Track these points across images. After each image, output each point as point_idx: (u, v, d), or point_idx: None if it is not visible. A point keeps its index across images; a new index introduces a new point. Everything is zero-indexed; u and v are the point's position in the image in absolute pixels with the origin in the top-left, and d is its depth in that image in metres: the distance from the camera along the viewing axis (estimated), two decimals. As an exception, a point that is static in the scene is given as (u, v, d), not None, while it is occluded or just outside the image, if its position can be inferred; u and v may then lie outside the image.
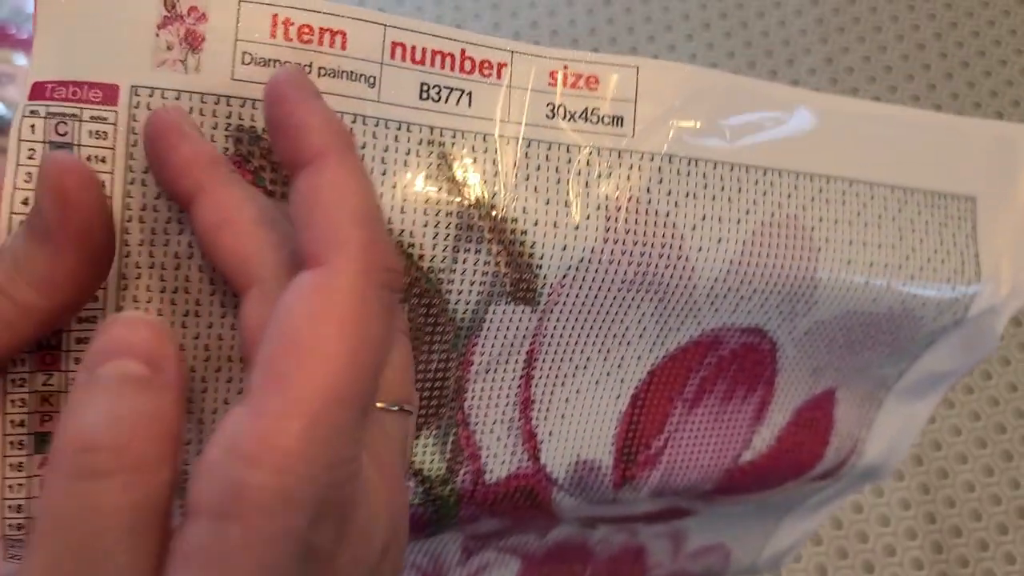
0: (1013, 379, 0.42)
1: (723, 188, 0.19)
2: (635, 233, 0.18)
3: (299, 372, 0.12)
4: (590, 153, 0.18)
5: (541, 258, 0.17)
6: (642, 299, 0.19)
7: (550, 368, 0.19)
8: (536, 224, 0.17)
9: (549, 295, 0.18)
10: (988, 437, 0.41)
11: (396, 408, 0.15)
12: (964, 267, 0.21)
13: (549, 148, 0.17)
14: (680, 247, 0.18)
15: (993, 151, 0.22)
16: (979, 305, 0.22)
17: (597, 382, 0.20)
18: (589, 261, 0.18)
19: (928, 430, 0.41)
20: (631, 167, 0.18)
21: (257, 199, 0.14)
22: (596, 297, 0.19)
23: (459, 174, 0.17)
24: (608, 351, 0.20)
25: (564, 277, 0.18)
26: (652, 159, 0.18)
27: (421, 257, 0.17)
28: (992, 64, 0.48)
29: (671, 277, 0.19)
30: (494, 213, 0.17)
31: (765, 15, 0.49)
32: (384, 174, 0.16)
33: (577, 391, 0.20)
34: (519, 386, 0.19)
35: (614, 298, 0.19)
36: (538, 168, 0.17)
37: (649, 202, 0.18)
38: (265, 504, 0.11)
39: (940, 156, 0.21)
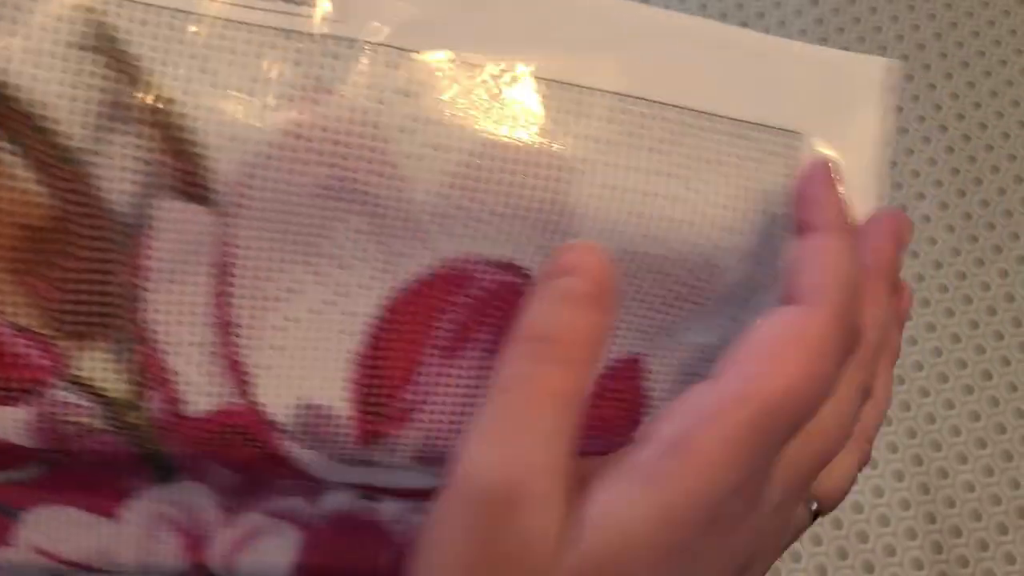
0: (1013, 379, 0.42)
1: (445, 88, 0.16)
2: (328, 130, 0.16)
3: (759, 372, 0.15)
4: (276, 35, 0.16)
5: (207, 148, 0.15)
6: (350, 211, 0.17)
7: (251, 287, 0.17)
8: (201, 109, 0.15)
9: (228, 195, 0.16)
10: (988, 437, 0.41)
11: (813, 505, 0.18)
12: (773, 211, 0.18)
13: (226, 26, 0.15)
14: (385, 151, 0.16)
15: (828, 83, 0.19)
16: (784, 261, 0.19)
17: (317, 312, 0.18)
18: (270, 158, 0.16)
19: (928, 430, 0.41)
20: (328, 55, 0.16)
21: None
22: (288, 203, 0.16)
23: (113, 45, 0.15)
24: (323, 274, 0.17)
25: (245, 175, 0.16)
26: (353, 47, 0.16)
27: (57, 133, 0.15)
28: (992, 64, 0.48)
29: (379, 186, 0.16)
30: (150, 92, 0.15)
31: (765, 15, 0.49)
32: (15, 22, 0.15)
33: (294, 320, 0.18)
34: (213, 304, 0.17)
35: (312, 206, 0.16)
36: (210, 46, 0.15)
37: (345, 96, 0.16)
38: (704, 452, 0.15)
39: (759, 83, 0.19)
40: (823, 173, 0.18)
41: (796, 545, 0.39)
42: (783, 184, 0.19)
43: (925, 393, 0.42)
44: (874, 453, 0.40)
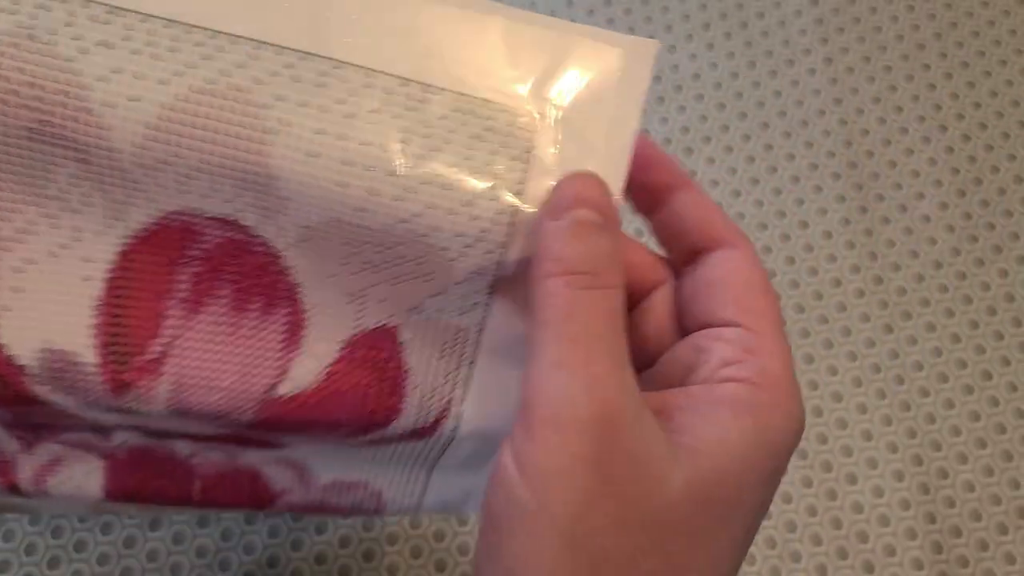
0: (1013, 379, 0.42)
1: (150, 44, 0.17)
2: (26, 73, 0.16)
3: (771, 305, 0.19)
4: None
5: None
6: (64, 156, 0.17)
7: None
8: None
9: None
10: (988, 437, 0.41)
11: None
12: (498, 193, 0.18)
13: None
14: (85, 98, 0.16)
15: (568, 63, 0.19)
16: (525, 247, 0.18)
17: (55, 255, 0.18)
18: None
19: (928, 430, 0.41)
20: (39, 7, 0.16)
21: None
22: (6, 144, 0.17)
23: None
24: (54, 216, 0.18)
25: None
26: (66, 1, 0.16)
27: None
28: (992, 64, 0.48)
29: (78, 132, 0.17)
30: None
31: (765, 15, 0.49)
32: None
33: (32, 262, 0.18)
34: None
35: (28, 148, 0.17)
36: None
37: (47, 43, 0.16)
38: (789, 383, 0.18)
39: (488, 56, 0.18)
40: (644, 139, 0.20)
41: (797, 545, 0.39)
42: (508, 164, 0.18)
43: (925, 393, 0.42)
44: (874, 453, 0.40)
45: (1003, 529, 0.39)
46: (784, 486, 0.40)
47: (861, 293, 0.43)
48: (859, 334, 0.42)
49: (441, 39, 0.18)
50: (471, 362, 0.21)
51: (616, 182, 0.19)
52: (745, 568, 0.38)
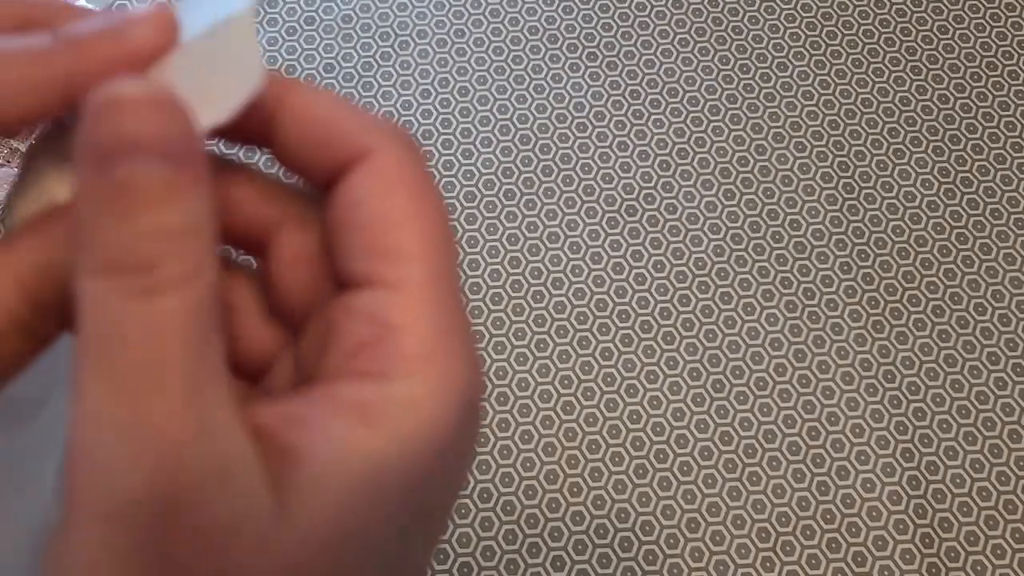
0: (1002, 375, 0.43)
1: None
2: None
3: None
4: None
5: None
6: None
7: None
8: None
9: None
10: (977, 433, 0.42)
11: None
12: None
13: None
14: None
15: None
16: None
17: None
18: None
19: (918, 426, 0.42)
20: None
21: None
22: None
23: None
24: None
25: None
26: None
27: None
28: (981, 68, 0.49)
29: None
30: None
31: (759, 20, 0.50)
32: None
33: None
34: None
35: None
36: None
37: None
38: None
39: None
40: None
41: (789, 537, 0.40)
42: None
43: (914, 389, 0.42)
44: (865, 448, 0.41)
45: (993, 523, 0.40)
46: (776, 479, 0.41)
47: (851, 291, 0.44)
48: (849, 331, 0.43)
49: None
50: None
51: (216, 102, 0.13)
52: (739, 559, 0.39)
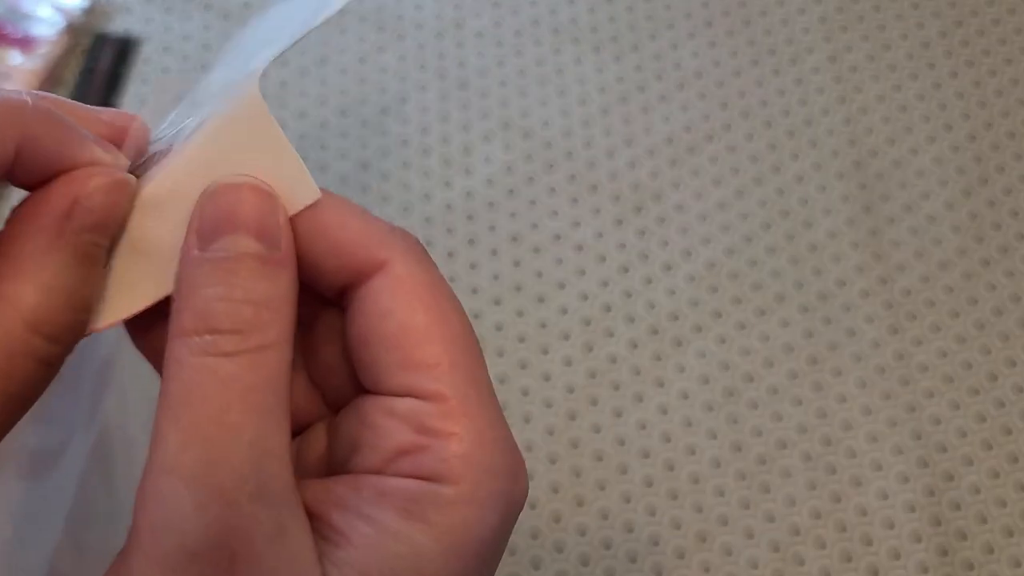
0: (1019, 380, 0.41)
1: None
2: None
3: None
4: None
5: None
6: None
7: None
8: None
9: None
10: (994, 440, 0.40)
11: None
12: None
13: None
14: None
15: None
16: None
17: None
18: None
19: (933, 432, 0.40)
20: None
21: None
22: None
23: None
24: None
25: None
26: None
27: None
28: (997, 63, 0.48)
29: None
30: None
31: (768, 13, 0.48)
32: None
33: None
34: None
35: None
36: None
37: None
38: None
39: None
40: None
41: (801, 548, 0.38)
42: None
43: (930, 395, 0.41)
44: (879, 456, 0.40)
45: (1009, 532, 0.39)
46: (788, 489, 0.39)
47: (866, 294, 0.43)
48: (864, 335, 0.42)
49: None
50: None
51: (297, 194, 0.14)
52: (749, 571, 0.38)
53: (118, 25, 0.46)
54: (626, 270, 0.43)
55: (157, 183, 0.14)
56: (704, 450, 0.40)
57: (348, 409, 0.15)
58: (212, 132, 0.14)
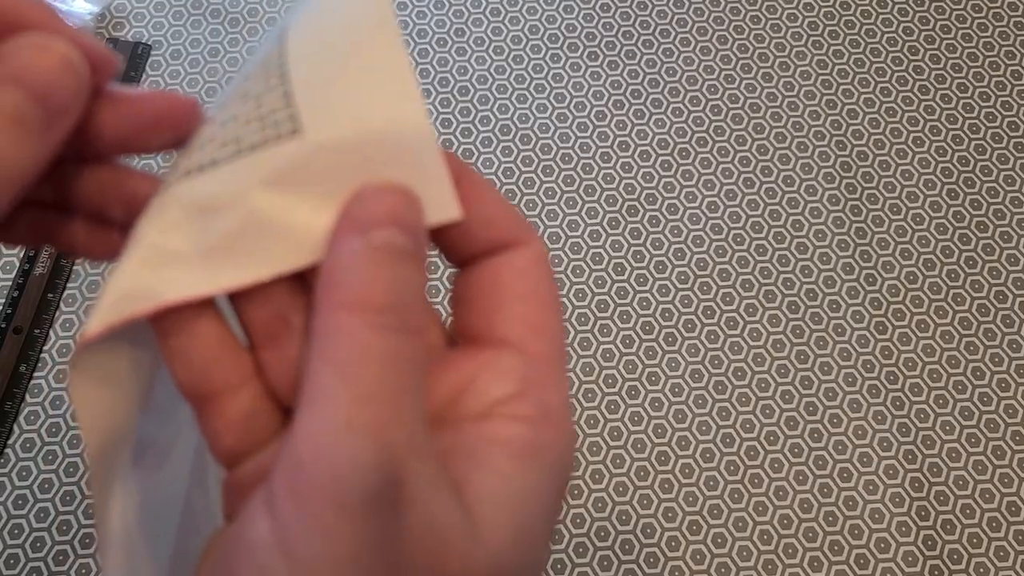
0: (1005, 376, 0.42)
1: None
2: None
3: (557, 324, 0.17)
4: None
5: None
6: None
7: None
8: None
9: None
10: (981, 435, 0.41)
11: None
12: None
13: None
14: None
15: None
16: None
17: None
18: None
19: (921, 428, 0.41)
20: None
21: None
22: None
23: None
24: None
25: None
26: None
27: None
28: (984, 68, 0.49)
29: None
30: None
31: (760, 20, 0.49)
32: None
33: None
34: None
35: None
36: None
37: None
38: (564, 414, 0.16)
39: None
40: None
41: (792, 540, 0.39)
42: None
43: (917, 391, 0.42)
44: (867, 450, 0.41)
45: (996, 525, 0.40)
46: (778, 481, 0.40)
47: (854, 292, 0.44)
48: (851, 333, 0.43)
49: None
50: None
51: (441, 205, 0.16)
52: (740, 563, 0.39)
53: (128, 31, 0.47)
54: (621, 270, 0.44)
55: (290, 164, 0.15)
56: (696, 443, 0.41)
57: (442, 359, 0.17)
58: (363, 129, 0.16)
